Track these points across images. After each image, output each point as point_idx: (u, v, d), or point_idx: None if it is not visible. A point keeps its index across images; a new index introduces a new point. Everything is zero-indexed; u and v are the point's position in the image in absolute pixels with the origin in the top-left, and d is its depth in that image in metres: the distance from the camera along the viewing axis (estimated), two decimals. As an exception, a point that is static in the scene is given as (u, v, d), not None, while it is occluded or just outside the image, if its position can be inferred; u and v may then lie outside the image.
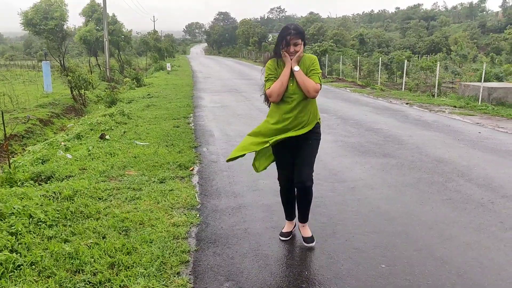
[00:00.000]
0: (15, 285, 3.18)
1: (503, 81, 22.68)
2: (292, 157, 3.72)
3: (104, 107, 16.64)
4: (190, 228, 4.27)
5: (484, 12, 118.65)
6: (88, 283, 3.23)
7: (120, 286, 3.18)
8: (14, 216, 4.25)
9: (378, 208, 4.78)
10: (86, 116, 16.65)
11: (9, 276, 3.30)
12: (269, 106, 3.79)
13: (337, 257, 3.63)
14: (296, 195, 3.81)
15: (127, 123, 10.28)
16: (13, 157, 10.51)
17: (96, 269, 3.40)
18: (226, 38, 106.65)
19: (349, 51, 40.64)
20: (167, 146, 7.66)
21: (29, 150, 9.66)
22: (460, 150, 7.44)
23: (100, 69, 33.22)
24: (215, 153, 7.37)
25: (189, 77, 27.16)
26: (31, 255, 3.58)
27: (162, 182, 5.68)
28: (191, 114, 11.57)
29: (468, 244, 3.87)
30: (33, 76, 32.33)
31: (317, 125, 3.71)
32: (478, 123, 10.62)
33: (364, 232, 4.15)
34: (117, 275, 3.32)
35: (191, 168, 6.37)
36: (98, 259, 3.55)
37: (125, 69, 36.85)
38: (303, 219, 3.88)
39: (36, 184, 5.85)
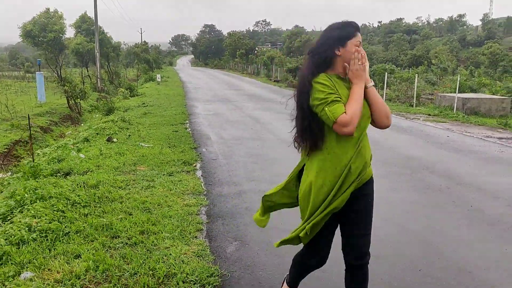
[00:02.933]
0: (68, 246, 4.05)
1: (477, 92, 24.05)
2: (337, 223, 2.59)
3: (101, 115, 17.41)
4: (200, 208, 5.19)
5: (465, 26, 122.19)
6: (125, 244, 4.12)
7: (152, 245, 4.08)
8: (53, 199, 5.13)
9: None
10: (83, 124, 17.44)
11: (61, 239, 4.17)
12: (306, 152, 2.52)
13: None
14: (346, 278, 2.64)
15: (129, 128, 11.15)
16: (20, 161, 11.30)
17: (130, 235, 4.30)
18: (212, 50, 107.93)
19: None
20: (170, 147, 8.56)
21: (38, 153, 10.45)
22: (428, 150, 8.50)
23: (90, 79, 33.94)
24: (213, 152, 8.30)
25: (179, 87, 28.06)
26: (75, 226, 4.45)
27: (170, 175, 6.59)
28: (187, 121, 12.49)
29: (424, 216, 4.87)
30: (24, 86, 32.85)
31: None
32: (448, 128, 11.73)
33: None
34: (148, 238, 4.22)
35: (194, 164, 7.29)
36: (129, 228, 4.45)
37: (114, 80, 37.59)
38: None
39: (60, 177, 6.71)
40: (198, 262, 3.72)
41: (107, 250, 4.01)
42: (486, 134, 10.80)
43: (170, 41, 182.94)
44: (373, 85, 2.44)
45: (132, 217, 4.75)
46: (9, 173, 9.79)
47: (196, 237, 4.31)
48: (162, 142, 9.05)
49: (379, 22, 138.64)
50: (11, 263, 3.71)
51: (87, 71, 36.67)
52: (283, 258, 3.77)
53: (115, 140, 9.36)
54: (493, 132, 11.27)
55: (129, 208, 5.07)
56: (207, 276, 3.48)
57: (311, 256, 2.69)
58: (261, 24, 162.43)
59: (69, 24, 38.65)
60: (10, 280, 3.47)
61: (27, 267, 3.67)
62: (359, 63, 2.35)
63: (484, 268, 3.70)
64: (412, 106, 19.32)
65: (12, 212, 4.87)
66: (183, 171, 6.85)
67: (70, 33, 38.35)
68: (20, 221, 4.49)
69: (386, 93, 23.39)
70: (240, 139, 9.62)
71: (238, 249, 4.06)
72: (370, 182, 2.55)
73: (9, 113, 17.92)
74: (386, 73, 25.20)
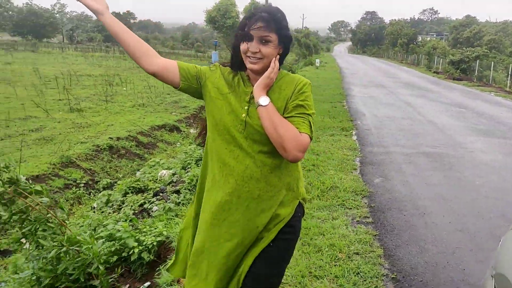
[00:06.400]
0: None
1: None
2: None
3: (267, 91, 19.95)
4: (355, 157, 6.90)
5: None
6: (303, 168, 6.02)
7: (320, 171, 5.92)
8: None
9: (483, 160, 6.89)
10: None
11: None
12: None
13: (444, 180, 5.93)
14: None
15: (295, 101, 13.23)
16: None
17: (305, 165, 6.20)
18: (371, 37, 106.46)
19: (505, 59, 39.07)
20: (330, 118, 10.36)
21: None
22: None
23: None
24: (367, 125, 9.86)
25: (336, 72, 29.66)
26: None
27: (331, 135, 8.39)
28: (344, 100, 14.14)
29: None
30: (197, 63, 37.77)
31: (298, 211, 1.99)
32: None
33: (471, 168, 6.35)
34: (318, 168, 6.08)
35: (350, 131, 8.97)
36: (305, 162, 6.35)
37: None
38: None
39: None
40: (353, 183, 5.46)
41: (290, 171, 5.96)
42: None
43: (329, 27, 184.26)
44: (266, 104, 1.78)
45: (305, 156, 6.66)
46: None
47: (351, 172, 6.06)
48: (323, 114, 10.89)
49: None
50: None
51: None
52: (411, 186, 5.33)
53: (286, 108, 11.48)
54: None
55: (303, 152, 6.98)
56: (359, 190, 5.21)
57: None
58: (428, 12, 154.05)
59: (240, 12, 42.78)
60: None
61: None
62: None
63: None
64: None
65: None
66: (342, 134, 8.59)
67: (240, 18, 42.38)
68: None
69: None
70: (391, 117, 10.97)
71: (382, 181, 5.70)
72: (282, 223, 1.93)
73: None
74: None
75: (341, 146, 7.58)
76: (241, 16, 39.58)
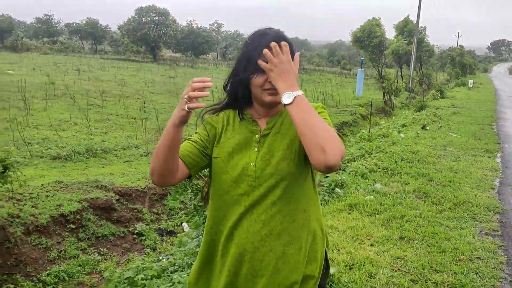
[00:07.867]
0: (400, 177, 6.49)
1: None
2: None
3: (411, 112, 19.74)
4: (495, 178, 6.91)
5: None
6: (438, 184, 6.31)
7: (456, 188, 6.13)
8: (390, 153, 7.74)
9: None
10: (393, 117, 20.11)
11: (396, 174, 6.65)
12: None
13: None
14: None
15: (439, 122, 13.09)
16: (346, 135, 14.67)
17: (441, 180, 6.45)
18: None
19: None
20: (475, 139, 10.17)
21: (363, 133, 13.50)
22: None
23: (402, 79, 36.77)
24: (515, 149, 9.52)
25: (491, 94, 27.75)
26: (403, 169, 6.88)
27: (474, 156, 8.36)
28: (494, 123, 13.51)
29: None
30: (342, 81, 38.23)
31: (325, 266, 1.80)
32: None
33: None
34: (453, 184, 6.30)
35: (495, 153, 8.78)
36: (441, 178, 6.60)
37: (424, 81, 39.34)
38: None
39: (387, 144, 9.33)
40: (487, 200, 5.62)
41: (426, 184, 6.29)
42: None
43: (488, 46, 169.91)
44: (299, 94, 1.49)
45: (442, 173, 6.89)
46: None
47: (488, 191, 6.16)
48: (468, 135, 10.70)
49: None
50: (366, 179, 6.41)
51: (401, 72, 39.69)
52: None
53: (428, 128, 11.51)
54: None
55: (440, 169, 7.21)
56: (493, 207, 5.38)
57: None
58: None
59: (392, 25, 42.23)
60: (370, 186, 6.14)
61: (377, 181, 6.30)
62: None
63: None
64: None
65: (364, 156, 7.73)
66: (485, 156, 8.49)
67: (390, 34, 41.96)
68: (368, 161, 7.26)
69: None
70: (546, 143, 10.33)
71: (520, 202, 5.73)
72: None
73: (333, 101, 22.13)
74: None
75: (481, 166, 7.58)
76: (388, 36, 39.26)
